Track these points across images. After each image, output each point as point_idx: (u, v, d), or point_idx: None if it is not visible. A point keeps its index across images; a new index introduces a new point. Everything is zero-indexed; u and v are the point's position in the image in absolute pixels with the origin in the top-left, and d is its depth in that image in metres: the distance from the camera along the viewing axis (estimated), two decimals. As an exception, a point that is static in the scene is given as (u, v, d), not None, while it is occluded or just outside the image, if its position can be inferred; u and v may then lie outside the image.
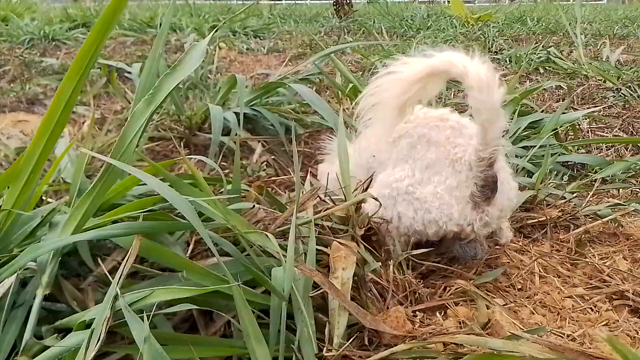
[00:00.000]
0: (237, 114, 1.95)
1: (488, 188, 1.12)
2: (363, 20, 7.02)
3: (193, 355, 0.60)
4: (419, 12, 7.97)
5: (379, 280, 1.10)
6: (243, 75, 2.01)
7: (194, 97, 2.41)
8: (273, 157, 2.03)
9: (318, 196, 1.20)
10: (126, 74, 3.05)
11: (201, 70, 2.64)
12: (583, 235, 1.44)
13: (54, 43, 4.28)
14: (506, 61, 4.44)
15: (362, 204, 1.21)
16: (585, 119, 2.53)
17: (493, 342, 0.79)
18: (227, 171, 1.74)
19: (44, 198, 1.17)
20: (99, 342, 0.59)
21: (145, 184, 1.11)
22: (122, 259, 1.01)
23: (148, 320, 0.61)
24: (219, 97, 2.08)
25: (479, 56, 1.06)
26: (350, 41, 5.00)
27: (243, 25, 5.81)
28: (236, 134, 1.84)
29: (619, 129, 2.50)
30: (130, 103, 2.34)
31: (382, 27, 5.85)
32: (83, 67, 0.79)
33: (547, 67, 4.09)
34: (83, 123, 2.31)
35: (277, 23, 6.75)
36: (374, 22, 6.75)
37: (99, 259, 0.97)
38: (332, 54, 2.52)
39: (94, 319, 0.66)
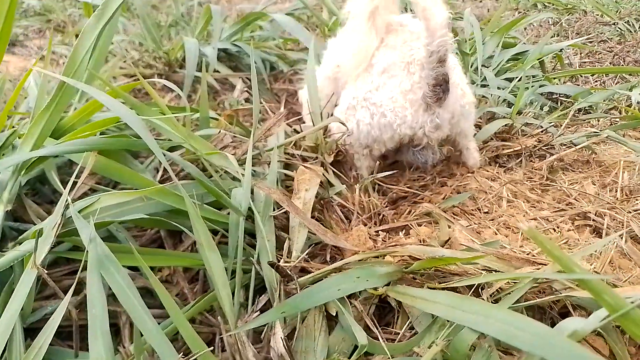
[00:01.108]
0: (215, 48, 1.92)
1: (439, 87, 1.12)
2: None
3: (143, 263, 0.63)
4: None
5: (345, 204, 1.13)
6: (218, 6, 1.96)
7: (176, 34, 2.36)
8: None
9: (287, 124, 1.21)
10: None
11: (182, 7, 2.57)
12: (556, 163, 1.45)
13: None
14: (504, -3, 4.30)
15: (330, 127, 1.23)
16: (577, 53, 2.49)
17: (443, 251, 0.82)
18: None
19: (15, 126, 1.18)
20: (50, 244, 0.61)
21: (107, 112, 1.12)
22: (96, 184, 1.04)
23: (93, 222, 0.63)
24: (197, 32, 2.04)
25: None
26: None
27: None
28: (214, 70, 1.82)
29: (610, 63, 2.45)
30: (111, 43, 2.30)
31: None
32: None
33: (546, 4, 3.96)
34: (64, 64, 2.28)
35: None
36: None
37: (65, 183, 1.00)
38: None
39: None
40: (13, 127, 1.14)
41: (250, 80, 2.12)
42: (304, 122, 1.42)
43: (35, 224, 0.88)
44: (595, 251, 1.05)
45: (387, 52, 1.21)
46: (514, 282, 0.71)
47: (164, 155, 0.89)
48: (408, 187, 1.30)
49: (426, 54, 1.09)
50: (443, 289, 0.77)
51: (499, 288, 0.72)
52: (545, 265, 0.80)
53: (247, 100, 1.92)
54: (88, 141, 0.80)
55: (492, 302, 0.69)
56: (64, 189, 1.03)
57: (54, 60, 2.32)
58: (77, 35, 2.73)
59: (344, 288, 0.71)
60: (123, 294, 0.59)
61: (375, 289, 0.74)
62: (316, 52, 1.81)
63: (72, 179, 0.72)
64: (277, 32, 2.37)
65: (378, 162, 1.26)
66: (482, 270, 0.83)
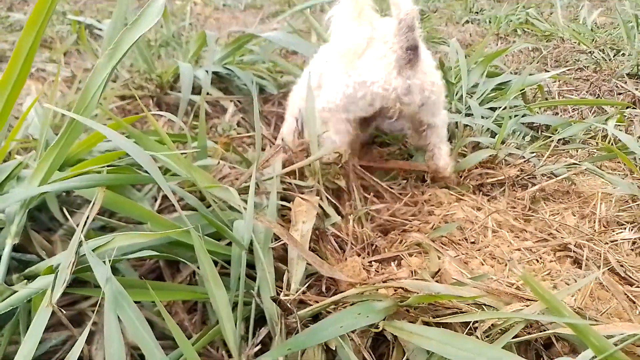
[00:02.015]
0: (208, 72, 1.95)
1: (410, 51, 1.25)
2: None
3: (153, 297, 0.65)
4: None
5: (339, 234, 1.16)
6: (213, 32, 2.00)
7: (167, 55, 2.39)
8: (245, 116, 2.05)
9: (284, 152, 1.25)
10: (97, 31, 2.98)
11: (173, 27, 2.60)
12: (538, 193, 1.51)
13: (21, -3, 4.13)
14: (486, 22, 4.44)
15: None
16: (555, 81, 2.59)
17: (436, 286, 0.86)
18: (197, 130, 1.76)
19: (16, 156, 1.19)
20: (65, 283, 0.64)
21: (110, 141, 1.14)
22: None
23: (110, 262, 0.65)
24: (190, 55, 2.07)
25: None
26: (330, -1, 4.93)
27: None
28: (207, 93, 1.85)
29: (586, 92, 2.56)
30: (98, 58, 2.31)
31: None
32: (41, 18, 0.80)
33: (525, 29, 4.11)
34: (52, 81, 2.28)
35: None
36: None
37: (67, 213, 1.01)
38: (309, 13, 2.51)
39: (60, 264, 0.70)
40: (17, 154, 1.15)
41: (241, 102, 2.17)
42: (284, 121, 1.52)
43: (39, 256, 0.89)
44: (576, 282, 1.10)
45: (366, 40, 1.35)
46: (505, 319, 0.76)
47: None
48: (396, 218, 1.34)
49: (397, 22, 1.24)
50: (438, 324, 0.81)
51: (492, 325, 0.76)
52: (532, 300, 0.85)
53: (238, 124, 1.95)
54: (97, 177, 0.82)
55: (485, 340, 0.74)
56: (64, 218, 1.05)
57: (43, 78, 2.32)
58: (65, 54, 2.74)
59: (346, 325, 0.74)
60: (136, 331, 0.62)
61: (375, 324, 0.78)
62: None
63: (87, 214, 0.75)
64: (267, 54, 2.41)
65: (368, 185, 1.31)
66: (473, 304, 0.88)
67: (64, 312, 0.68)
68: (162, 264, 1.03)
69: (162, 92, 2.08)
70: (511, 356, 0.63)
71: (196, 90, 1.93)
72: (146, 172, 1.05)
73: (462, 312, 0.83)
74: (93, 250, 0.68)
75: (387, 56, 1.29)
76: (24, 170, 0.93)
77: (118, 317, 0.63)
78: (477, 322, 0.81)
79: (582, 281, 0.97)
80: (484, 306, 0.84)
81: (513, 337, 0.74)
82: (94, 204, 0.76)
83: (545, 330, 0.79)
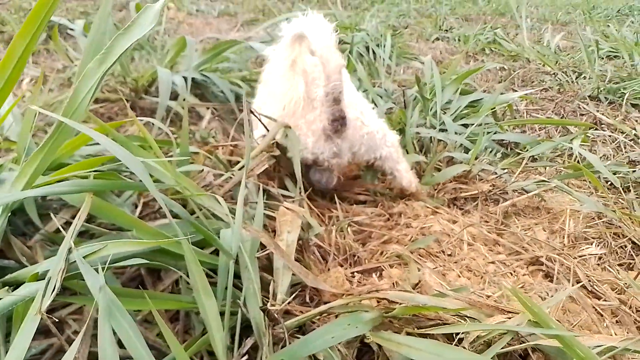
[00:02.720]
0: (185, 78, 1.94)
1: (336, 122, 1.28)
2: (318, -12, 6.95)
3: (145, 306, 0.64)
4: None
5: (322, 244, 1.17)
6: (193, 39, 1.99)
7: (140, 58, 2.35)
8: (221, 123, 2.04)
9: (266, 163, 1.25)
10: (68, 31, 2.91)
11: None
12: (510, 208, 1.57)
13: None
14: (455, 40, 4.58)
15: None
16: (522, 100, 2.69)
17: (420, 297, 0.88)
18: (175, 136, 1.74)
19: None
20: (55, 291, 0.62)
21: (92, 145, 1.12)
22: (71, 217, 1.03)
23: (103, 271, 0.64)
24: (167, 60, 2.05)
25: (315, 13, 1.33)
26: (304, 9, 4.96)
27: (194, -15, 5.60)
28: (184, 99, 1.84)
29: (552, 111, 2.67)
30: (72, 62, 2.25)
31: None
32: (37, 24, 0.78)
33: (492, 49, 4.25)
34: (22, 81, 2.21)
35: (230, -15, 6.56)
36: (329, -9, 6.70)
37: (43, 218, 0.98)
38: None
39: (47, 271, 0.68)
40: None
41: (217, 110, 2.15)
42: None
43: (18, 262, 0.86)
44: (549, 295, 1.15)
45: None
46: (489, 330, 0.78)
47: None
48: (374, 229, 1.36)
49: (324, 94, 1.26)
50: (422, 334, 0.83)
51: (477, 336, 0.79)
52: (512, 312, 0.88)
53: (213, 129, 1.94)
54: (85, 182, 0.81)
55: (470, 351, 0.76)
56: (42, 224, 1.02)
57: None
58: (34, 53, 2.65)
59: (337, 336, 0.75)
60: (130, 342, 0.61)
61: (362, 335, 0.79)
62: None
63: (76, 221, 0.73)
64: (244, 63, 2.41)
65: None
66: (455, 316, 0.90)
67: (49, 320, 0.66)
68: (143, 272, 1.01)
69: (136, 96, 2.04)
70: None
71: (172, 95, 1.91)
72: (130, 178, 1.05)
73: (446, 324, 0.85)
74: (84, 258, 0.67)
75: (315, 122, 1.32)
76: (3, 173, 0.90)
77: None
78: (460, 333, 0.84)
79: (558, 295, 1.01)
80: (467, 318, 0.86)
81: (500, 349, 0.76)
82: (82, 210, 0.75)
83: (524, 342, 0.82)
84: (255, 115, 1.37)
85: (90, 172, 0.90)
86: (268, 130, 1.35)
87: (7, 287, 0.75)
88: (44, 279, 0.71)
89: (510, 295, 1.13)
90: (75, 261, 0.67)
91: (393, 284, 1.11)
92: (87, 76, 0.82)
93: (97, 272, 0.65)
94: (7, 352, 0.66)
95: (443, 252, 1.31)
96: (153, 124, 1.52)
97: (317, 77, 1.33)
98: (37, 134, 1.52)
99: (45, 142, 0.80)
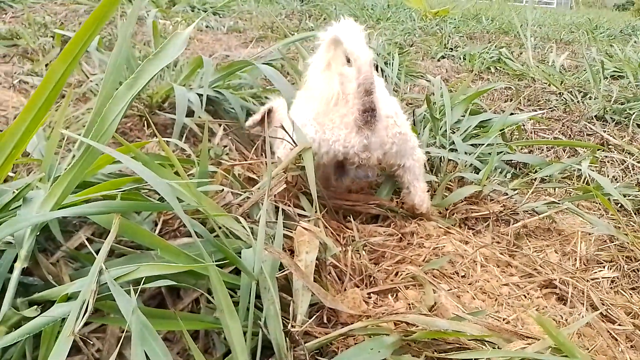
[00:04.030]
0: (200, 95, 1.96)
1: (367, 113, 1.34)
2: (324, 5, 7.04)
3: (174, 327, 0.65)
4: (380, 1, 8.09)
5: (338, 264, 1.18)
6: (209, 58, 2.02)
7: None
8: (233, 140, 2.06)
9: (285, 183, 1.26)
10: (82, 45, 2.95)
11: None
12: (521, 229, 1.58)
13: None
14: (460, 58, 4.62)
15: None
16: (530, 120, 2.71)
17: (440, 322, 0.89)
18: (188, 153, 1.76)
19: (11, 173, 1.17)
20: (88, 313, 0.63)
21: (114, 163, 1.14)
22: (92, 234, 1.05)
23: (135, 294, 0.65)
24: (182, 77, 2.08)
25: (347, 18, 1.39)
26: (312, 27, 5.03)
27: (202, 1, 5.69)
28: (199, 117, 1.86)
29: (559, 132, 2.69)
30: (87, 77, 2.29)
31: (344, 15, 5.90)
32: (78, 47, 0.80)
33: (498, 67, 4.30)
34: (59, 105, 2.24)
35: (238, 1, 6.65)
36: (335, 9, 6.79)
37: (65, 234, 1.00)
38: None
39: (77, 292, 0.70)
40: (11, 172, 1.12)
41: (229, 127, 2.18)
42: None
43: (44, 280, 0.87)
44: (564, 319, 1.16)
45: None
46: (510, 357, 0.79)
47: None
48: (387, 249, 1.37)
49: (356, 86, 1.32)
50: (441, 359, 0.84)
51: (497, 362, 0.80)
52: (530, 337, 0.89)
53: (227, 146, 1.96)
54: (113, 203, 0.82)
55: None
56: (65, 241, 1.03)
57: (25, 90, 2.28)
58: (47, 65, 2.69)
59: None
60: (161, 365, 0.62)
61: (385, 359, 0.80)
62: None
63: (107, 242, 0.74)
64: (256, 80, 2.44)
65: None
66: (473, 339, 0.91)
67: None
68: (164, 290, 1.02)
69: (150, 111, 2.06)
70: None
71: (186, 112, 1.94)
72: (149, 195, 1.06)
73: (465, 348, 0.86)
74: (115, 280, 0.68)
75: (348, 115, 1.37)
76: (32, 192, 0.91)
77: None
78: (479, 359, 0.85)
79: (578, 322, 1.01)
80: (486, 342, 0.87)
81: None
82: (111, 231, 0.76)
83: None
84: (285, 130, 1.42)
85: (115, 192, 0.91)
86: (295, 145, 1.37)
87: (35, 307, 0.76)
88: (73, 298, 0.72)
89: (526, 318, 1.14)
90: (105, 283, 0.68)
91: (409, 305, 1.12)
92: (116, 100, 0.84)
93: (128, 293, 0.66)
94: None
95: (457, 273, 1.32)
96: (169, 141, 1.54)
97: (351, 76, 1.39)
98: (57, 150, 1.54)
99: (74, 163, 0.82)
